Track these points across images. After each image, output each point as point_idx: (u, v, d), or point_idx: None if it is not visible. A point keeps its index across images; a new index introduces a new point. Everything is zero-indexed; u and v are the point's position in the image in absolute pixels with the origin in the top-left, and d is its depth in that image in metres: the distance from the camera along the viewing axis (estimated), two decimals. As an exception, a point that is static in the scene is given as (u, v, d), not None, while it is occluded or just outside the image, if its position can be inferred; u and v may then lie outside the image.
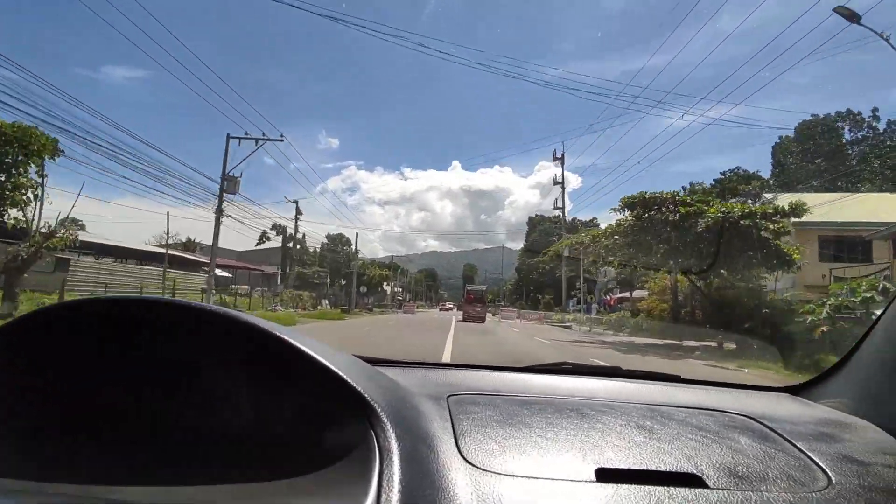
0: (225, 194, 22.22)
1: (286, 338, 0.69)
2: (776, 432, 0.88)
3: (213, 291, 22.41)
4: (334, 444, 0.66)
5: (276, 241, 43.30)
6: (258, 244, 41.29)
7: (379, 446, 0.63)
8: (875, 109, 38.56)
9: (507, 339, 17.37)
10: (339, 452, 0.65)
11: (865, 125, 37.39)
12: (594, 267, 45.96)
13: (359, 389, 0.67)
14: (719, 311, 15.18)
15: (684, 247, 15.34)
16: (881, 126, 37.26)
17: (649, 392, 1.15)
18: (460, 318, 34.91)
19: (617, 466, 0.72)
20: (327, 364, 0.68)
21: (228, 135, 22.35)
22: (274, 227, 40.92)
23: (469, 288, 44.02)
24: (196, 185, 23.26)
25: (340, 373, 0.68)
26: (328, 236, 54.69)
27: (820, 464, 0.77)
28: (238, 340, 0.70)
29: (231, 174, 22.16)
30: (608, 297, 39.41)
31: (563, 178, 48.01)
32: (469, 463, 0.69)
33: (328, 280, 52.63)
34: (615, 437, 0.80)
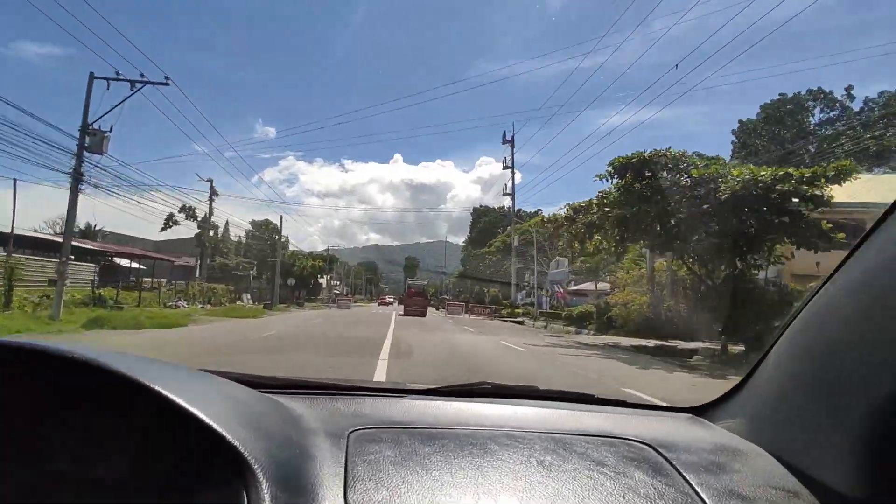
0: (91, 155, 16.66)
1: (137, 378, 0.62)
2: (671, 463, 0.90)
3: (66, 282, 16.68)
4: None
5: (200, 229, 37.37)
6: (164, 229, 34.91)
7: None
8: (850, 87, 37.28)
9: (464, 346, 13.12)
10: None
11: (838, 105, 36.10)
12: (544, 258, 42.98)
13: (233, 443, 0.62)
14: (733, 306, 11.72)
15: (696, 222, 11.70)
16: (856, 106, 36.41)
17: (558, 418, 1.16)
18: (401, 312, 34.24)
19: None
20: (193, 411, 0.62)
21: (92, 73, 16.72)
22: (183, 209, 34.70)
23: (410, 282, 44.14)
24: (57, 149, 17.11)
25: (209, 421, 0.62)
26: (253, 223, 48.44)
27: (705, 500, 0.79)
28: (84, 382, 0.65)
29: (96, 128, 16.56)
30: (560, 290, 36.12)
31: (512, 162, 44.64)
32: None
33: (254, 272, 46.64)
34: (512, 478, 0.80)
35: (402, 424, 1.00)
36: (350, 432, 0.90)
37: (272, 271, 46.00)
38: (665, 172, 12.27)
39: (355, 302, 71.65)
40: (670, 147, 12.65)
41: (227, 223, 53.52)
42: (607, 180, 13.49)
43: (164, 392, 0.61)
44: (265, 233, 46.29)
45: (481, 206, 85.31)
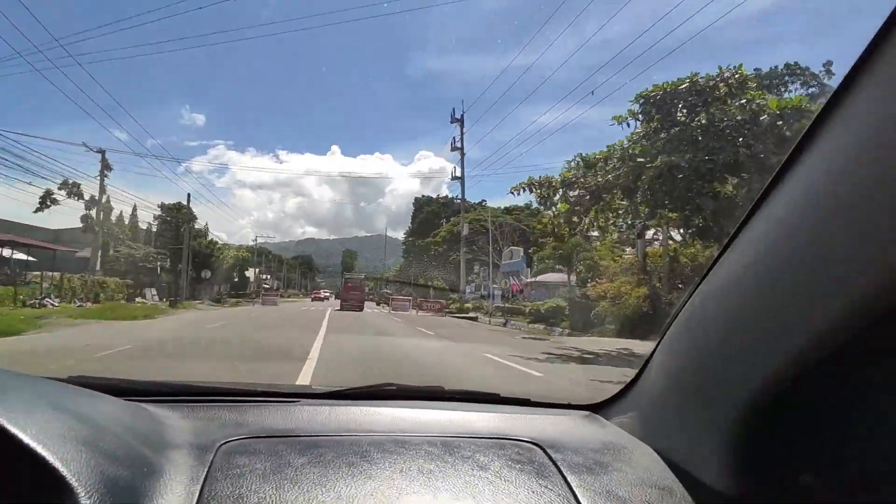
0: None
1: None
2: (556, 465, 0.91)
3: None
4: None
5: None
6: (39, 209, 28.15)
7: None
8: (828, 63, 35.88)
9: (432, 365, 8.80)
10: None
11: (816, 82, 34.55)
12: (494, 247, 39.52)
13: (53, 464, 0.56)
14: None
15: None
16: (834, 83, 34.26)
17: (454, 420, 1.16)
18: (338, 308, 32.50)
19: None
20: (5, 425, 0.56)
21: None
22: (64, 185, 28.12)
23: (347, 276, 42.00)
24: None
25: (15, 430, 0.56)
26: (162, 206, 41.51)
27: (581, 502, 0.80)
28: None
29: None
30: (516, 282, 32.51)
31: (462, 142, 40.69)
32: None
33: (166, 264, 40.04)
34: (387, 487, 0.79)
35: (283, 433, 0.96)
36: (221, 444, 0.85)
37: (193, 264, 39.63)
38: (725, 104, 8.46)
39: (287, 297, 65.49)
40: (741, 64, 8.91)
41: (134, 208, 46.28)
42: (630, 123, 9.61)
43: None
44: (178, 218, 39.66)
45: (423, 196, 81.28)
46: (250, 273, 62.14)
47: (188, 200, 35.10)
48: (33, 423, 0.59)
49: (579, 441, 1.04)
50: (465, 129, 40.49)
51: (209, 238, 44.61)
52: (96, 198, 30.21)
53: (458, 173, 40.74)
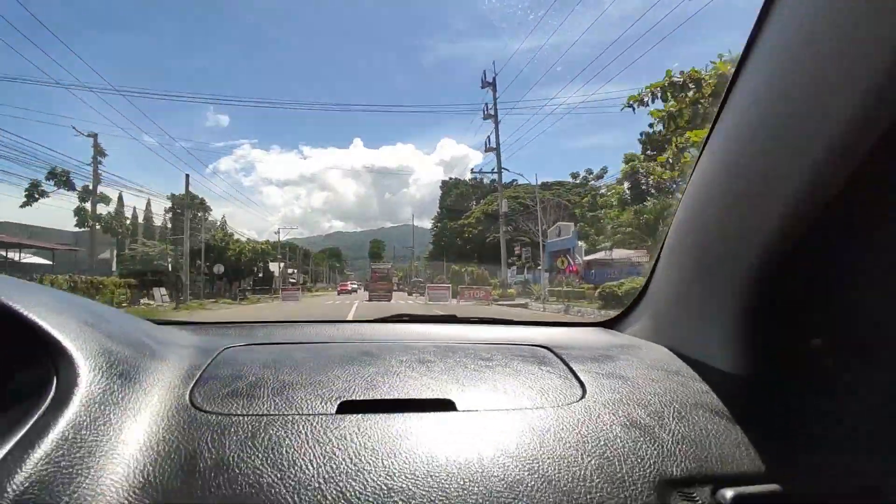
0: None
1: None
2: (560, 357, 0.92)
3: None
4: (12, 393, 0.59)
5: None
6: (27, 203, 24.92)
7: (56, 391, 0.57)
8: None
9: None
10: (11, 403, 0.57)
11: None
12: (537, 225, 35.09)
13: (40, 325, 0.60)
14: None
15: None
16: None
17: (460, 333, 1.17)
18: (367, 299, 31.71)
19: (367, 398, 0.72)
20: None
21: None
22: (52, 174, 24.80)
23: (374, 267, 40.78)
24: None
25: (5, 300, 0.59)
26: (172, 197, 38.20)
27: (582, 380, 0.82)
28: None
29: None
30: (572, 263, 27.81)
31: (495, 109, 36.04)
32: (194, 406, 0.65)
33: (180, 261, 36.92)
34: (385, 374, 0.80)
35: (285, 341, 0.98)
36: (226, 347, 0.88)
37: (206, 259, 36.30)
38: None
39: (315, 291, 62.21)
40: None
41: (148, 203, 43.30)
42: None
43: None
44: (189, 211, 36.39)
45: (451, 178, 76.80)
46: (275, 267, 59.02)
47: (186, 183, 30.95)
48: (32, 301, 0.62)
49: (585, 343, 1.05)
50: (497, 95, 35.79)
51: (224, 230, 41.25)
52: (97, 191, 26.79)
53: (493, 143, 36.14)
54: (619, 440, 0.66)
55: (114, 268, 40.26)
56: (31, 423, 0.53)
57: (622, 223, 23.68)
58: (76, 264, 39.13)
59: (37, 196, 24.94)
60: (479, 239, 47.87)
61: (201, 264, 33.69)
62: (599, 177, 40.83)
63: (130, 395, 0.61)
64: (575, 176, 44.26)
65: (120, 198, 38.91)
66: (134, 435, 0.57)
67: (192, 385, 0.70)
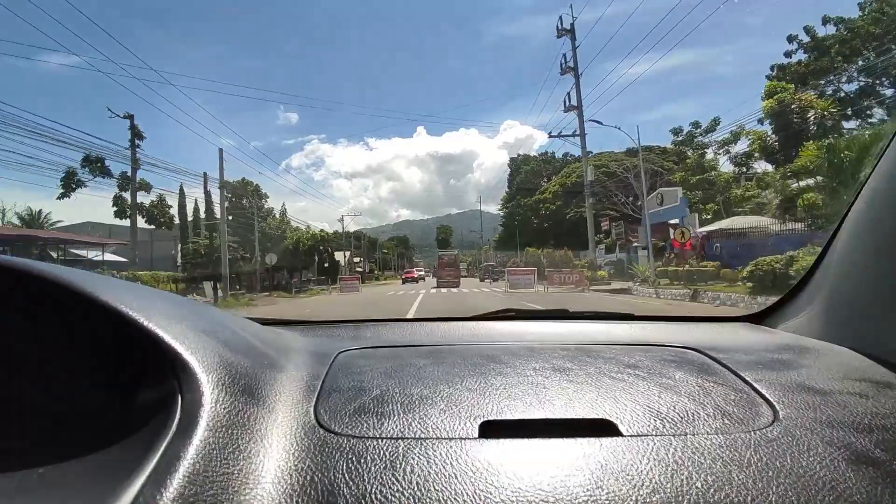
0: None
1: (44, 271, 0.55)
2: (721, 363, 0.80)
3: None
4: (139, 413, 0.55)
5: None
6: (63, 195, 22.88)
7: (182, 413, 0.51)
8: None
9: None
10: (138, 424, 0.53)
11: None
12: (627, 195, 29.52)
13: (166, 340, 0.55)
14: None
15: None
16: None
17: (588, 332, 1.09)
18: (435, 286, 31.37)
19: (512, 417, 0.63)
20: (110, 303, 0.55)
21: None
22: (86, 161, 22.60)
23: (440, 253, 39.70)
24: None
25: (130, 312, 0.55)
26: (227, 184, 36.06)
27: (767, 396, 0.68)
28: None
29: None
30: (693, 234, 22.03)
31: (575, 61, 30.65)
32: (321, 426, 0.59)
33: (239, 253, 34.78)
34: (521, 384, 0.71)
35: (402, 343, 0.94)
36: (341, 352, 0.85)
37: (260, 249, 33.83)
38: None
39: (383, 280, 59.47)
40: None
41: (208, 194, 41.56)
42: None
43: (84, 287, 0.54)
44: (245, 197, 33.97)
45: (519, 154, 71.22)
46: (341, 257, 56.69)
47: (220, 158, 26.28)
48: (152, 310, 0.58)
49: (743, 344, 0.92)
50: (573, 29, 30.35)
51: (283, 218, 38.71)
52: (139, 183, 24.50)
53: (574, 101, 30.79)
54: (844, 480, 0.52)
55: (178, 262, 39.33)
56: (159, 453, 0.47)
57: (772, 178, 17.70)
58: (149, 261, 38.30)
59: (73, 186, 22.84)
60: (557, 216, 42.60)
61: (253, 255, 31.06)
62: (710, 129, 33.87)
63: (255, 415, 0.56)
64: (677, 131, 37.43)
65: (181, 190, 37.34)
66: (264, 463, 0.51)
67: (315, 399, 0.65)
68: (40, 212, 37.87)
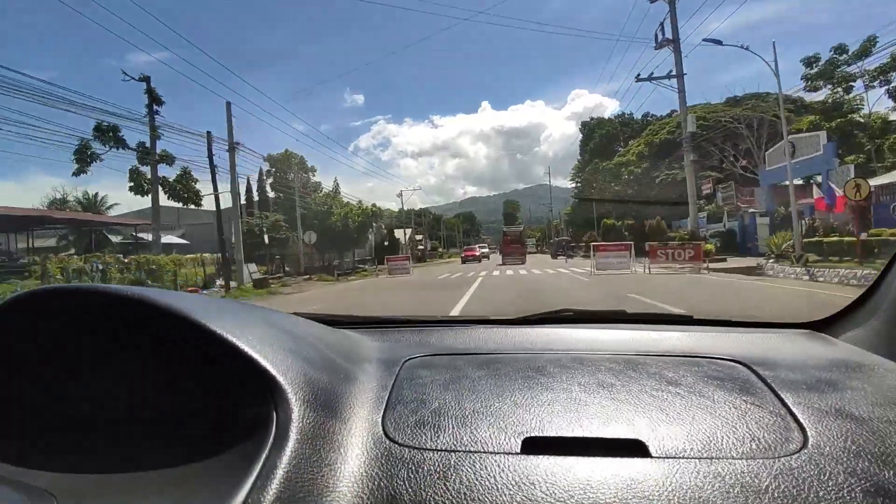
0: None
1: (165, 302, 0.67)
2: (765, 381, 0.78)
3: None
4: (233, 429, 0.65)
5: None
6: (79, 170, 20.36)
7: (277, 429, 0.60)
8: None
9: None
10: (236, 438, 0.63)
11: None
12: (736, 150, 23.26)
13: (263, 364, 0.65)
14: None
15: None
16: None
17: (639, 340, 1.07)
18: (499, 263, 30.24)
19: (551, 434, 0.66)
20: (221, 333, 0.66)
21: None
22: (97, 130, 19.90)
23: (505, 229, 39.04)
24: None
25: (239, 343, 0.66)
26: (269, 157, 33.02)
27: (801, 420, 0.66)
28: (123, 314, 0.70)
29: None
30: (838, 193, 15.98)
31: (670, -17, 24.48)
32: (388, 437, 0.66)
33: (285, 234, 31.97)
34: (566, 400, 0.74)
35: (461, 351, 0.99)
36: (406, 360, 0.91)
37: (310, 226, 30.68)
38: None
39: (446, 258, 55.70)
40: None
41: (260, 172, 39.04)
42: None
43: (194, 316, 0.66)
44: (289, 170, 30.92)
45: (592, 118, 64.19)
46: (402, 235, 53.35)
47: (228, 111, 21.36)
48: (248, 334, 0.68)
49: (796, 358, 0.88)
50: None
51: (330, 193, 35.31)
52: (149, 143, 21.66)
53: (669, 34, 24.74)
54: None
55: (232, 241, 37.55)
56: (260, 463, 0.56)
57: None
58: (210, 244, 36.69)
59: (88, 160, 20.25)
60: (643, 181, 36.49)
61: (295, 234, 27.87)
62: (861, 55, 25.93)
63: (333, 427, 0.63)
64: (811, 61, 29.11)
65: (232, 166, 34.94)
66: (341, 471, 0.58)
67: (382, 411, 0.71)
68: (96, 195, 37.06)
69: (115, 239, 29.20)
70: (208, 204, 22.25)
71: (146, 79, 21.02)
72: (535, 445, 0.63)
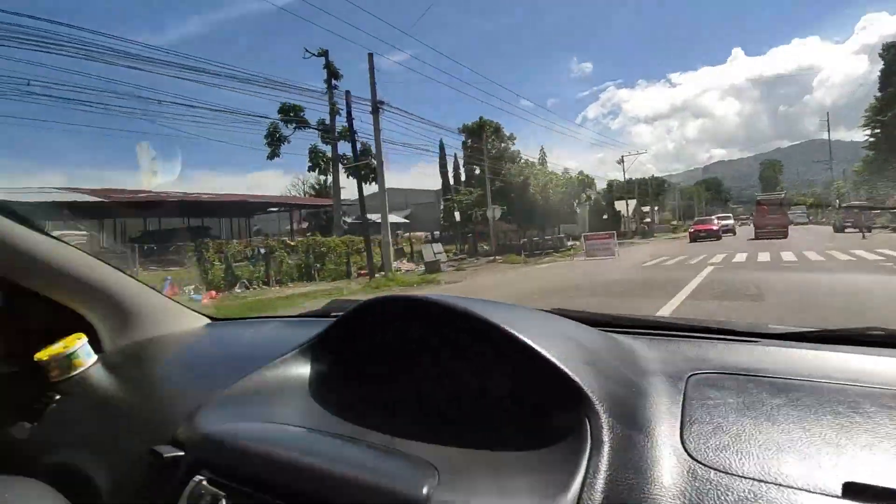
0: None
1: (497, 322, 0.77)
2: None
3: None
4: (548, 429, 0.71)
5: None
6: (273, 155, 20.84)
7: (591, 436, 0.65)
8: None
9: None
10: (552, 437, 0.70)
11: None
12: None
13: (575, 379, 0.71)
14: None
15: None
16: None
17: None
18: (751, 237, 24.78)
19: (874, 483, 0.59)
20: (541, 351, 0.73)
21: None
22: (282, 110, 19.95)
23: (760, 197, 35.88)
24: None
25: (555, 360, 0.73)
26: (464, 129, 30.67)
27: None
28: (464, 327, 0.82)
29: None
30: None
31: None
32: (690, 455, 0.64)
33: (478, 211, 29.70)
34: (887, 445, 0.64)
35: (748, 371, 0.90)
36: (689, 376, 0.86)
37: (492, 200, 27.67)
38: None
39: (675, 234, 47.14)
40: None
41: (465, 146, 37.68)
42: None
43: (517, 334, 0.75)
44: (487, 140, 28.19)
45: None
46: (625, 207, 46.60)
47: (371, 63, 16.97)
48: (553, 347, 0.74)
49: None
50: None
51: (533, 162, 31.44)
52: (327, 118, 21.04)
53: None
54: None
55: (441, 221, 37.25)
56: (584, 465, 0.61)
57: None
58: (427, 223, 37.43)
59: (277, 141, 20.55)
60: None
61: (476, 210, 24.89)
62: None
63: (639, 440, 0.65)
64: None
65: (441, 145, 34.28)
66: (652, 482, 0.59)
67: (679, 428, 0.69)
68: (326, 181, 40.64)
69: (348, 220, 30.80)
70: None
71: (324, 53, 20.34)
72: (858, 493, 0.57)
